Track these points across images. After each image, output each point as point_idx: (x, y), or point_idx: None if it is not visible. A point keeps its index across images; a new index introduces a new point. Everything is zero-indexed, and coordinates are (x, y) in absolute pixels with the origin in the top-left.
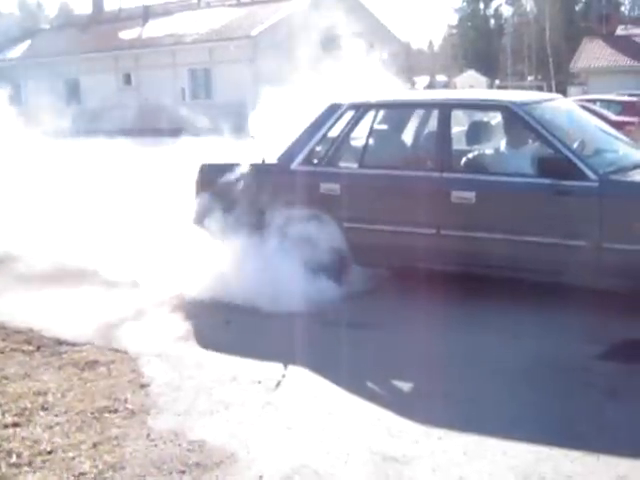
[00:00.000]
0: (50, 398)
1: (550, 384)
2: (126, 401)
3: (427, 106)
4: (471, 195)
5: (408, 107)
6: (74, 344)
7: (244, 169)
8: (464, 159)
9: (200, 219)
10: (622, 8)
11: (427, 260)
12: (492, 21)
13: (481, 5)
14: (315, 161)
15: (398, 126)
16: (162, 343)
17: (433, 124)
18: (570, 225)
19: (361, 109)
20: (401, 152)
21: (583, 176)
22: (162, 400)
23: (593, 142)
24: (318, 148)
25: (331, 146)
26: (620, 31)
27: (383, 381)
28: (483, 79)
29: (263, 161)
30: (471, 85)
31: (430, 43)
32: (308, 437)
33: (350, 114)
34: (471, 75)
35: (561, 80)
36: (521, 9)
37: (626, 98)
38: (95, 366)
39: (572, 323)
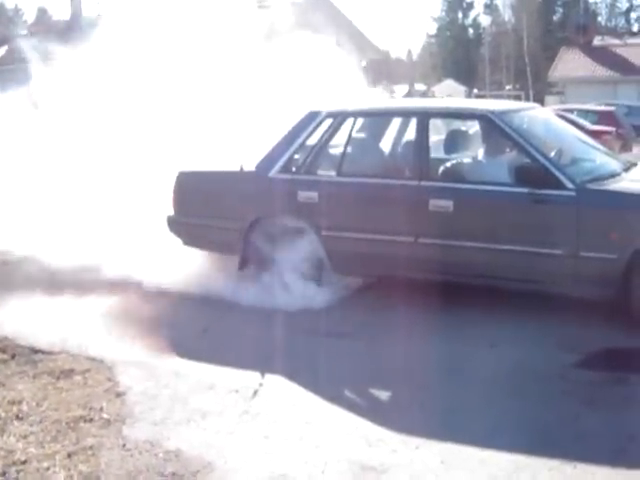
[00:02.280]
0: (25, 407)
1: (528, 393)
2: (102, 410)
3: (406, 114)
4: (449, 204)
5: (387, 115)
6: (49, 352)
7: (222, 177)
8: (442, 168)
9: (178, 227)
10: (599, 18)
11: (405, 269)
12: (470, 30)
13: (459, 15)
14: (293, 169)
15: (376, 134)
16: (139, 351)
17: (411, 132)
18: (547, 234)
19: (339, 117)
20: (379, 160)
21: (560, 185)
22: (138, 409)
23: (570, 151)
24: (296, 156)
25: (309, 154)
26: (597, 41)
27: (361, 390)
28: (461, 88)
29: (241, 168)
30: (449, 94)
31: (409, 52)
32: (286, 446)
33: (328, 122)
34: (449, 84)
35: (539, 89)
36: (499, 19)
37: (603, 108)
38: (71, 375)
39: (550, 332)
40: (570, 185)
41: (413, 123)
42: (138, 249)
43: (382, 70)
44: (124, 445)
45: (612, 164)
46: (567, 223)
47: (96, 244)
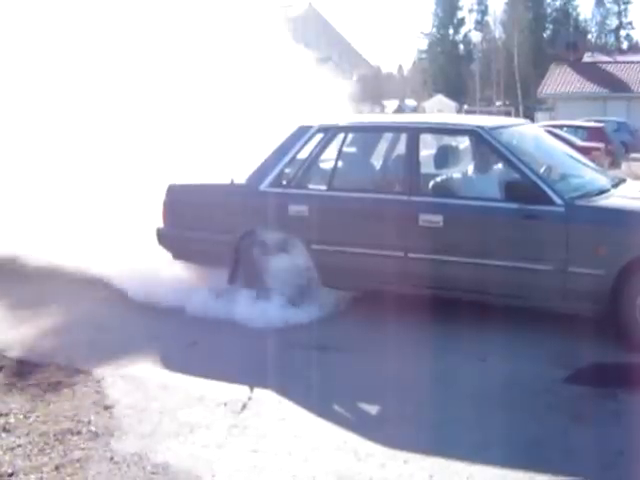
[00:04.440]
0: (12, 419)
1: (517, 407)
2: (90, 423)
3: (396, 129)
4: (439, 218)
5: (377, 130)
6: (38, 365)
7: (212, 190)
8: (432, 182)
9: (167, 240)
10: (589, 36)
11: (395, 283)
12: (461, 46)
13: (450, 31)
14: (284, 183)
15: (367, 149)
16: (127, 364)
17: (402, 147)
18: (536, 249)
19: (330, 132)
20: (370, 175)
21: (549, 201)
22: (126, 422)
23: (559, 167)
24: (287, 170)
25: (300, 168)
26: (587, 58)
27: (350, 404)
28: (452, 104)
29: (232, 182)
30: (440, 109)
31: (400, 67)
32: (274, 460)
33: (319, 136)
34: (440, 100)
35: (529, 105)
36: (490, 35)
37: (592, 124)
38: (59, 387)
39: (539, 346)
40: (559, 201)
41: (403, 138)
42: (125, 261)
43: (373, 85)
44: (112, 458)
45: (601, 180)
46: (556, 239)
47: (82, 256)
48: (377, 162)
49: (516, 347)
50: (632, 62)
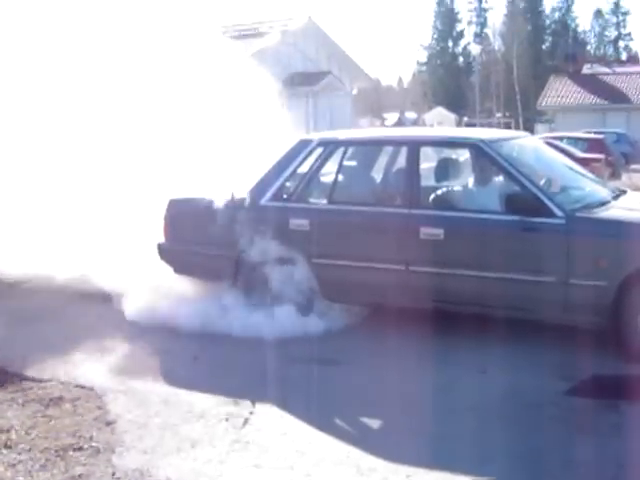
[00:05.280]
0: (13, 435)
1: (519, 420)
2: (91, 439)
3: (396, 143)
4: (440, 231)
5: (378, 144)
6: (39, 380)
7: (213, 204)
8: (433, 195)
9: (169, 255)
10: (588, 47)
11: (396, 297)
12: (461, 59)
13: (450, 43)
14: (285, 197)
15: (368, 163)
16: (129, 379)
17: (402, 161)
18: (537, 261)
19: (331, 145)
20: (370, 188)
21: (550, 213)
22: (128, 438)
23: (560, 179)
24: (288, 184)
25: (300, 182)
26: (586, 70)
27: (352, 418)
28: (452, 116)
29: (232, 196)
30: (440, 122)
31: (399, 80)
32: (277, 475)
33: (319, 150)
34: (440, 112)
35: (528, 117)
36: (489, 47)
37: (592, 135)
38: (60, 403)
39: (540, 359)
40: (560, 213)
41: (404, 152)
42: (126, 275)
43: (373, 98)
44: (114, 474)
45: (601, 192)
46: (557, 251)
47: (82, 270)
48: (378, 176)
49: (517, 359)
50: (631, 73)
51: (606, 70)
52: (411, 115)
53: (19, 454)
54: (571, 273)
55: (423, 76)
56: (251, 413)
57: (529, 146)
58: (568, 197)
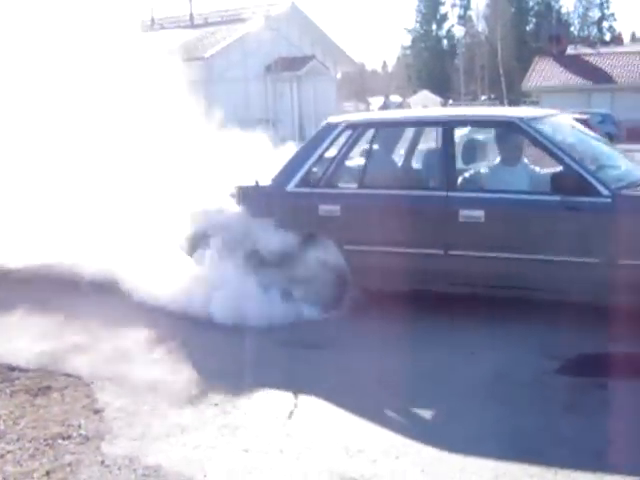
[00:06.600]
0: (1, 425)
1: (508, 399)
2: (80, 427)
3: (429, 124)
4: (480, 214)
5: (408, 125)
6: (26, 370)
7: (237, 192)
8: (470, 177)
9: (190, 245)
10: (572, 28)
11: (434, 282)
12: (445, 42)
13: (434, 26)
14: (312, 182)
15: (398, 145)
16: (116, 367)
17: (437, 142)
18: (582, 242)
19: (359, 128)
20: (403, 171)
21: (595, 192)
22: (117, 425)
23: (597, 157)
24: (315, 169)
25: (329, 167)
26: (570, 50)
27: (341, 400)
28: (437, 99)
29: (256, 183)
30: (425, 105)
31: (384, 64)
32: (266, 459)
33: (347, 133)
34: (425, 95)
35: (513, 99)
36: (473, 30)
37: (577, 116)
38: (48, 392)
39: (527, 338)
40: (605, 192)
41: (437, 133)
42: (119, 263)
43: (357, 82)
44: (103, 462)
45: (637, 170)
46: (603, 231)
47: (71, 259)
48: (410, 158)
49: (507, 339)
50: (615, 54)
51: (590, 51)
52: (396, 99)
53: (8, 444)
54: (619, 253)
55: (407, 59)
56: (239, 398)
57: (565, 124)
58: (610, 175)
